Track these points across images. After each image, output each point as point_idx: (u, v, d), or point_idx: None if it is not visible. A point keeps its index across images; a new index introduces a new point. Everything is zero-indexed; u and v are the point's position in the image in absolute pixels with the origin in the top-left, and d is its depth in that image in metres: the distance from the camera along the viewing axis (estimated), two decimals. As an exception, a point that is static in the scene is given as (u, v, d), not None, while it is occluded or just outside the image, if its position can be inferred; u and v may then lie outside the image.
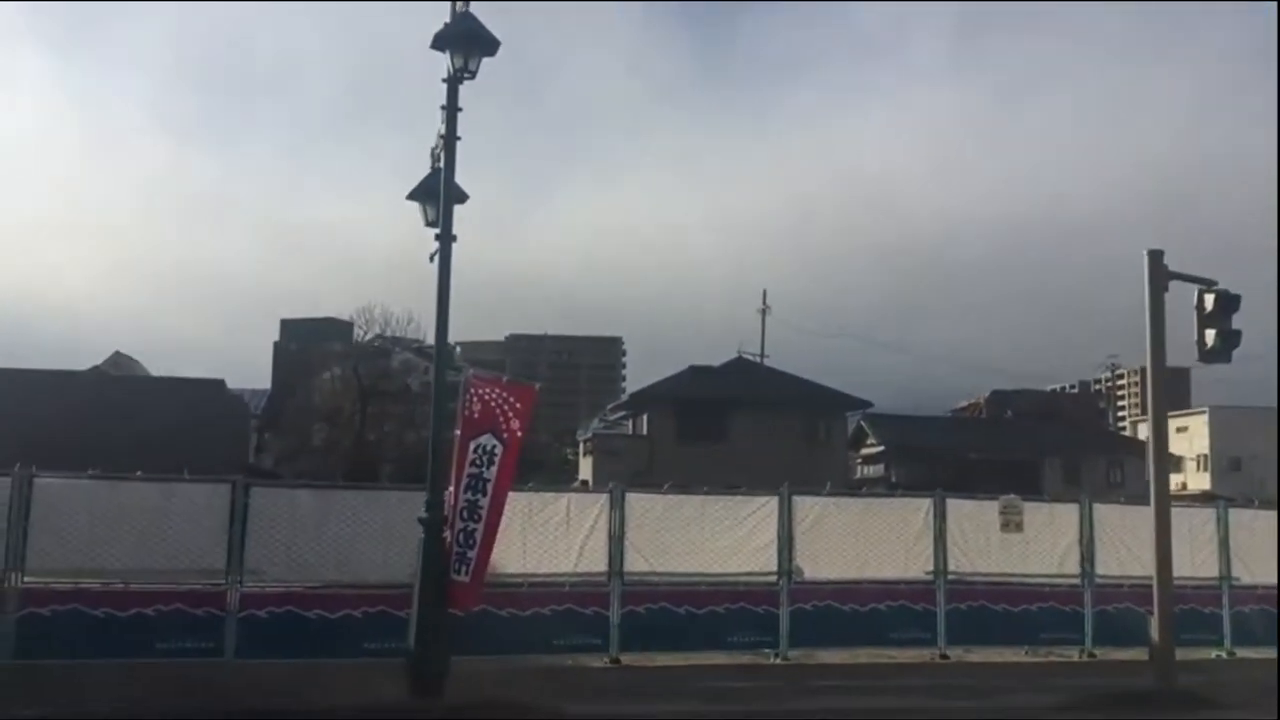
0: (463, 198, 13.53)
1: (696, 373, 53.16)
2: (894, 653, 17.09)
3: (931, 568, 17.25)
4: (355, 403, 57.00)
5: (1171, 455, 78.28)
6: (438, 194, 13.24)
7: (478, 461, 12.55)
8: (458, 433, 12.94)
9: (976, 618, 17.30)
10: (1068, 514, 18.05)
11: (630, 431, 54.50)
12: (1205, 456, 75.92)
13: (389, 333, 65.04)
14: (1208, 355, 14.98)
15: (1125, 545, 17.99)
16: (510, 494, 15.81)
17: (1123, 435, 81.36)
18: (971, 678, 15.60)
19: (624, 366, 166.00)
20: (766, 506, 16.82)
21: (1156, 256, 14.97)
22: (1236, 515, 18.50)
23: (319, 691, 13.14)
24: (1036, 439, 65.25)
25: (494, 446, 12.50)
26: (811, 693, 14.07)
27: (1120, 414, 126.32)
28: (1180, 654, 17.61)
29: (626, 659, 15.92)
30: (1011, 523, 17.58)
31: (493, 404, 12.62)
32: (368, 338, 75.67)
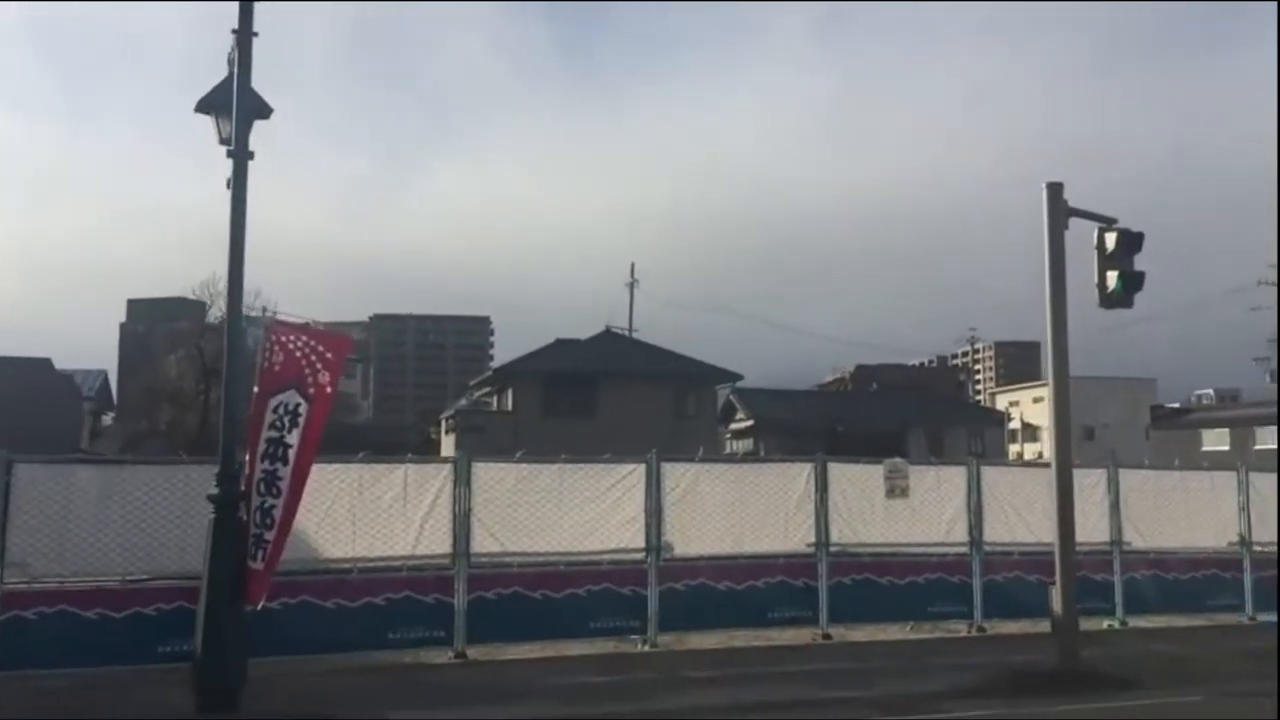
0: (264, 111, 11.14)
1: (562, 346, 51.03)
2: (773, 634, 15.36)
3: (813, 539, 15.55)
4: (200, 382, 53.06)
5: (1028, 425, 79.76)
6: (230, 105, 10.83)
7: (278, 424, 10.22)
8: (256, 390, 10.59)
9: (861, 592, 15.69)
10: (955, 477, 16.56)
11: (495, 408, 52.09)
12: (1060, 426, 77.12)
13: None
14: (1109, 299, 13.56)
15: (1015, 510, 16.62)
16: (338, 466, 13.64)
17: (982, 406, 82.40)
18: (857, 660, 13.94)
19: (492, 346, 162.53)
20: (633, 475, 14.85)
21: (1055, 190, 13.46)
22: (1128, 477, 17.32)
23: (91, 707, 10.70)
24: (901, 411, 65.09)
25: (298, 405, 10.17)
26: (681, 686, 12.16)
27: (977, 387, 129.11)
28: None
29: (474, 653, 13.79)
30: (897, 488, 16.00)
31: (298, 354, 10.29)
32: (217, 315, 71.38)
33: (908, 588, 15.93)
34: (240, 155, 10.70)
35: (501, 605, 13.94)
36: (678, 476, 15.07)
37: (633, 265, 64.72)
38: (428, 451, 58.31)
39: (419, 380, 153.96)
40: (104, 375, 56.70)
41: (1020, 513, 16.60)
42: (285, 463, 10.08)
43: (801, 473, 15.74)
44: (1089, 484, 16.90)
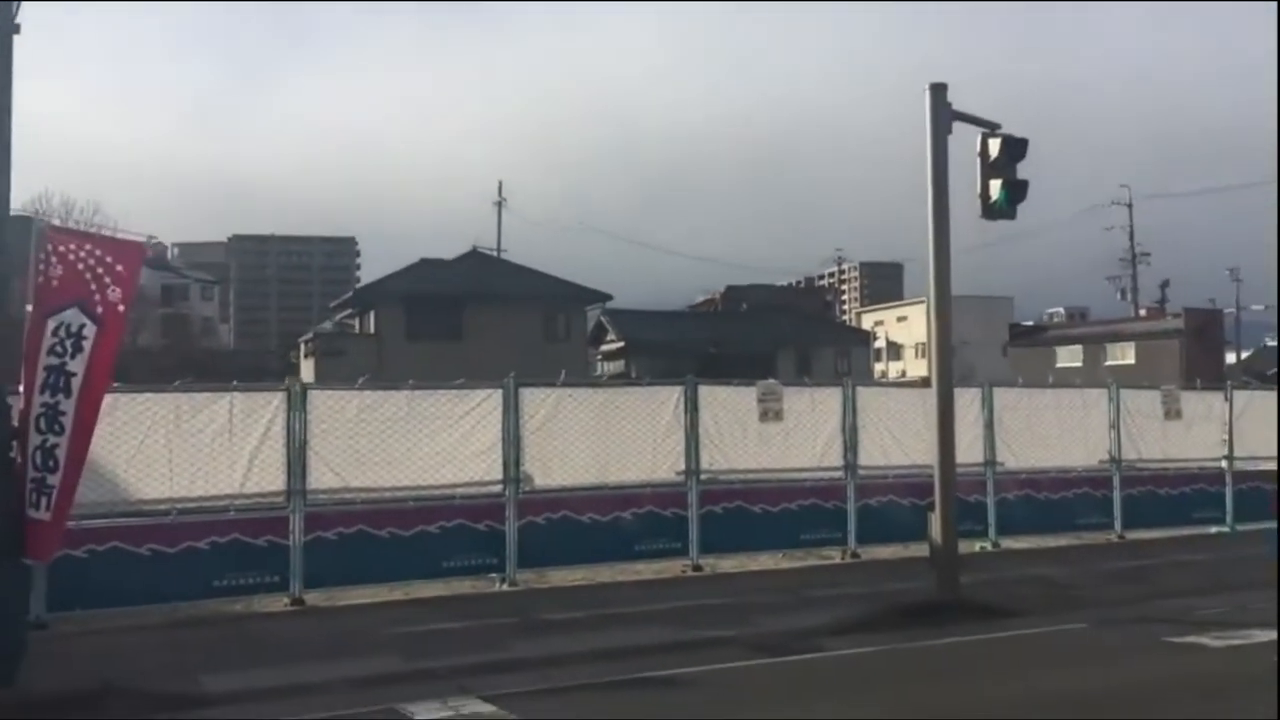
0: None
1: (427, 266, 48.98)
2: (641, 567, 14.43)
3: (683, 467, 14.58)
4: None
5: (893, 344, 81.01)
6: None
7: (59, 348, 8.59)
8: (29, 308, 8.92)
9: (732, 521, 14.83)
10: (830, 399, 15.75)
11: (358, 331, 49.94)
12: (923, 344, 78.51)
13: (72, 223, 56.75)
14: (991, 210, 12.71)
15: (890, 432, 15.95)
16: (150, 396, 12.04)
17: (849, 326, 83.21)
18: (729, 593, 13.09)
19: (359, 268, 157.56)
20: (489, 401, 13.58)
21: (939, 92, 12.48)
22: (1002, 395, 16.79)
23: None
24: (771, 331, 65.03)
25: (82, 326, 8.54)
26: (540, 631, 11.06)
27: (844, 307, 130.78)
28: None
29: (313, 598, 12.49)
30: (770, 411, 15.11)
31: (80, 266, 8.63)
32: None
33: (781, 515, 15.14)
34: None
35: (344, 546, 12.64)
36: (537, 403, 13.86)
37: (500, 183, 62.76)
38: (289, 377, 55.79)
39: (283, 304, 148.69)
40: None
41: (895, 435, 15.93)
42: (68, 394, 8.48)
43: (670, 397, 14.70)
44: (963, 403, 16.20)
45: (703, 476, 14.67)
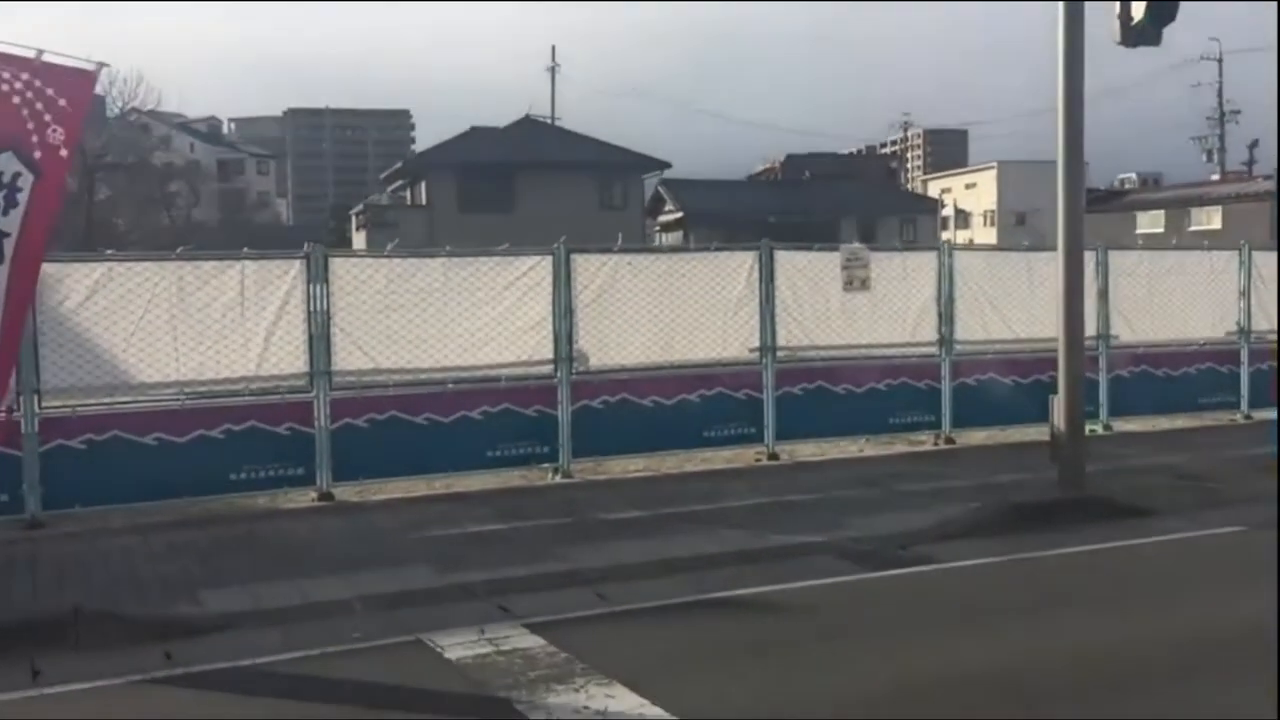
0: None
1: (479, 135, 46.85)
2: (709, 454, 12.78)
3: (757, 344, 12.77)
4: (82, 180, 48.25)
5: (961, 211, 77.64)
6: None
7: (-7, 204, 6.90)
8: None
9: (812, 403, 13.05)
10: (924, 265, 13.74)
11: (409, 202, 48.23)
12: (992, 212, 75.23)
13: (114, 97, 55.39)
14: (1133, 34, 10.45)
15: (990, 302, 13.94)
16: (148, 266, 10.45)
17: (915, 194, 79.83)
18: (810, 486, 11.40)
19: (414, 141, 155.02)
20: (536, 270, 11.80)
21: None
22: (1119, 259, 14.62)
23: None
24: (833, 200, 62.19)
25: (17, 175, 6.81)
26: (595, 534, 9.48)
27: (909, 175, 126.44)
28: (1047, 428, 14.13)
29: (342, 492, 11.03)
30: (856, 279, 13.17)
31: (16, 100, 6.86)
32: (122, 111, 65.60)
33: (867, 396, 13.32)
34: None
35: (375, 434, 11.09)
36: (592, 272, 12.04)
37: (553, 48, 60.05)
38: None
39: (339, 178, 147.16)
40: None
41: (996, 305, 13.94)
42: (0, 259, 6.82)
43: (743, 264, 12.79)
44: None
45: (779, 354, 12.87)
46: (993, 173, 75.71)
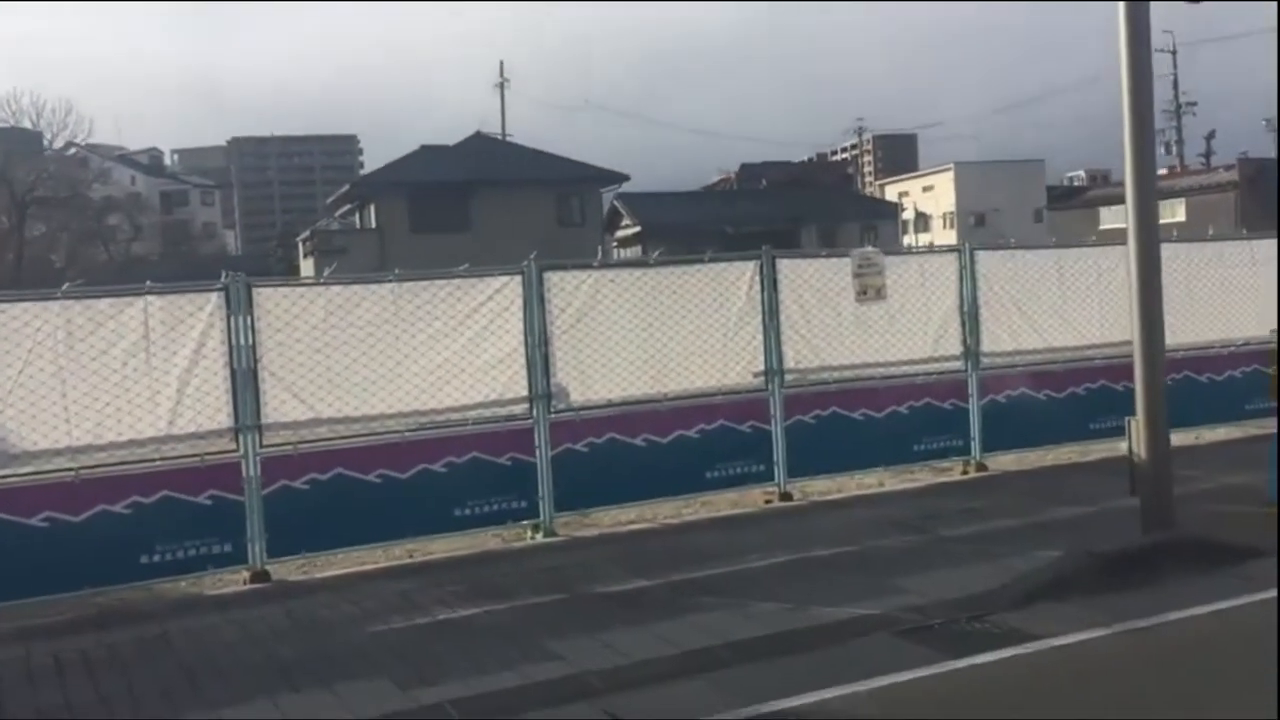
0: None
1: (429, 153, 44.81)
2: (711, 498, 10.97)
3: (761, 367, 10.98)
4: (16, 214, 45.70)
5: (921, 215, 76.60)
6: None
7: None
8: None
9: (827, 432, 11.27)
10: (944, 268, 12.01)
11: (359, 226, 46.09)
12: (951, 214, 74.23)
13: (49, 126, 53.03)
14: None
15: (1017, 307, 12.25)
16: (29, 306, 8.48)
17: (874, 198, 78.72)
18: (835, 533, 9.61)
19: (362, 166, 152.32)
20: (505, 292, 9.93)
21: None
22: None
23: None
24: (792, 207, 60.78)
25: None
26: (591, 614, 7.58)
27: (865, 180, 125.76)
28: (1086, 448, 12.49)
29: (280, 569, 9.10)
30: (870, 288, 11.42)
31: None
32: (50, 143, 63.13)
33: (887, 421, 11.57)
34: None
35: (318, 497, 9.18)
36: (570, 291, 10.19)
37: (501, 63, 58.12)
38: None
39: (286, 206, 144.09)
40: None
41: (1024, 310, 12.26)
42: None
43: (742, 276, 11.00)
44: (1106, 267, 12.59)
45: (787, 377, 11.08)
46: (949, 174, 74.72)
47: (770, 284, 11.00)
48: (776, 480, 11.06)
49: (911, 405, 11.69)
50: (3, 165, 51.89)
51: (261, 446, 8.98)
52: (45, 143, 66.15)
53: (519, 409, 9.95)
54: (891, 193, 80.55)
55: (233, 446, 8.93)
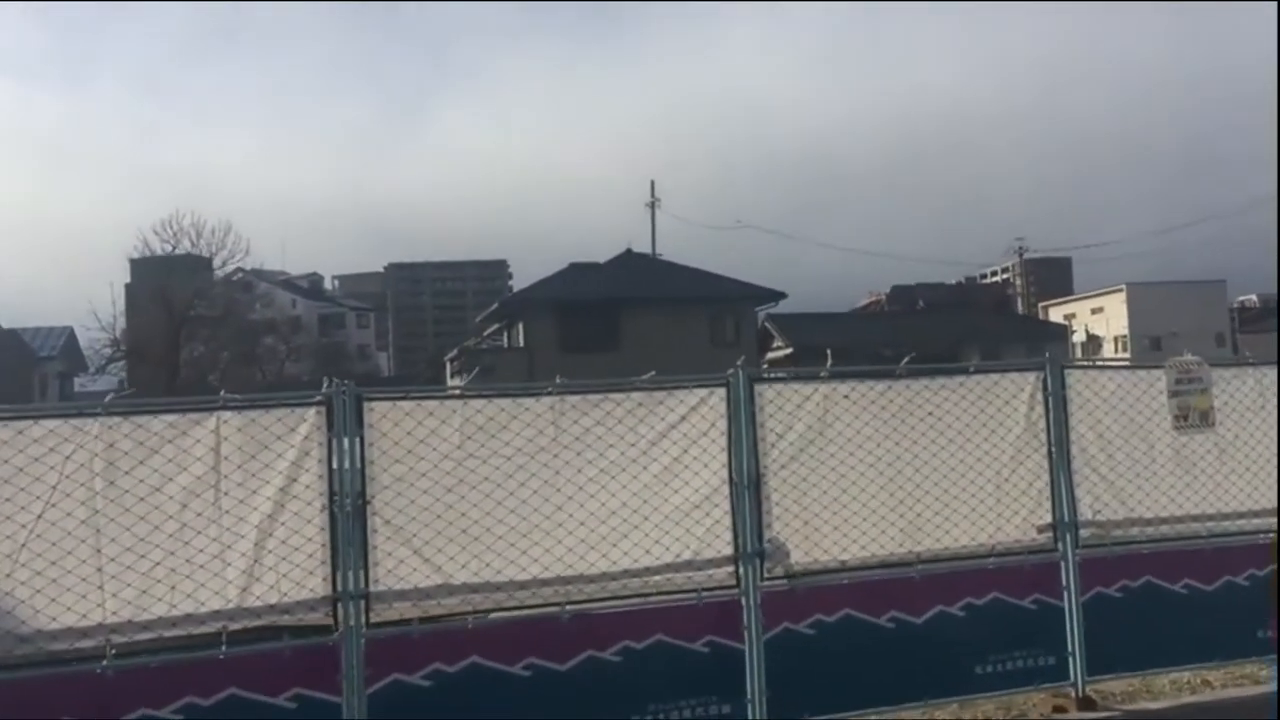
0: None
1: (578, 271, 43.30)
2: (983, 707, 7.75)
3: (1048, 518, 7.85)
4: (172, 333, 45.80)
5: (1093, 336, 71.63)
6: None
7: None
8: None
9: (1134, 612, 8.00)
10: (1284, 387, 8.74)
11: (506, 344, 44.59)
12: (1123, 338, 69.10)
13: (203, 246, 53.78)
14: None
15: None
16: (63, 424, 6.05)
17: (1040, 320, 74.22)
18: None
19: (510, 290, 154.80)
20: (704, 410, 7.14)
21: None
22: None
23: None
24: (952, 328, 57.21)
25: None
26: None
27: (1027, 301, 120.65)
28: None
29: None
30: (1194, 410, 8.24)
31: None
32: (223, 269, 64.66)
33: (1221, 595, 8.23)
34: None
35: (443, 696, 6.39)
36: (790, 410, 7.32)
37: (653, 184, 56.45)
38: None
39: (439, 329, 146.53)
40: (68, 332, 49.31)
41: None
42: None
43: (1019, 392, 7.96)
44: None
45: (1084, 533, 7.92)
46: (1120, 296, 69.88)
47: (1059, 403, 7.94)
48: (1072, 679, 7.80)
49: (1253, 574, 8.31)
50: (172, 289, 52.76)
51: (364, 628, 6.29)
52: (214, 267, 67.98)
53: (720, 573, 7.06)
54: (1055, 315, 75.93)
55: (329, 627, 6.27)
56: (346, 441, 6.37)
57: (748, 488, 7.12)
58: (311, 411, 6.39)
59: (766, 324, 53.78)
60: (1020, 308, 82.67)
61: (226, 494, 6.16)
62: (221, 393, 6.57)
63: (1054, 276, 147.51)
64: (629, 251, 46.85)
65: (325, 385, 6.52)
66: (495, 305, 48.24)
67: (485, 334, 49.97)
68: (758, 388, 7.26)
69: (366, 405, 6.48)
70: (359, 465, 6.40)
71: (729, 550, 7.09)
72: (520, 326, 41.66)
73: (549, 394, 6.93)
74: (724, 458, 7.13)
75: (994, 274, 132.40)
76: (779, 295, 43.84)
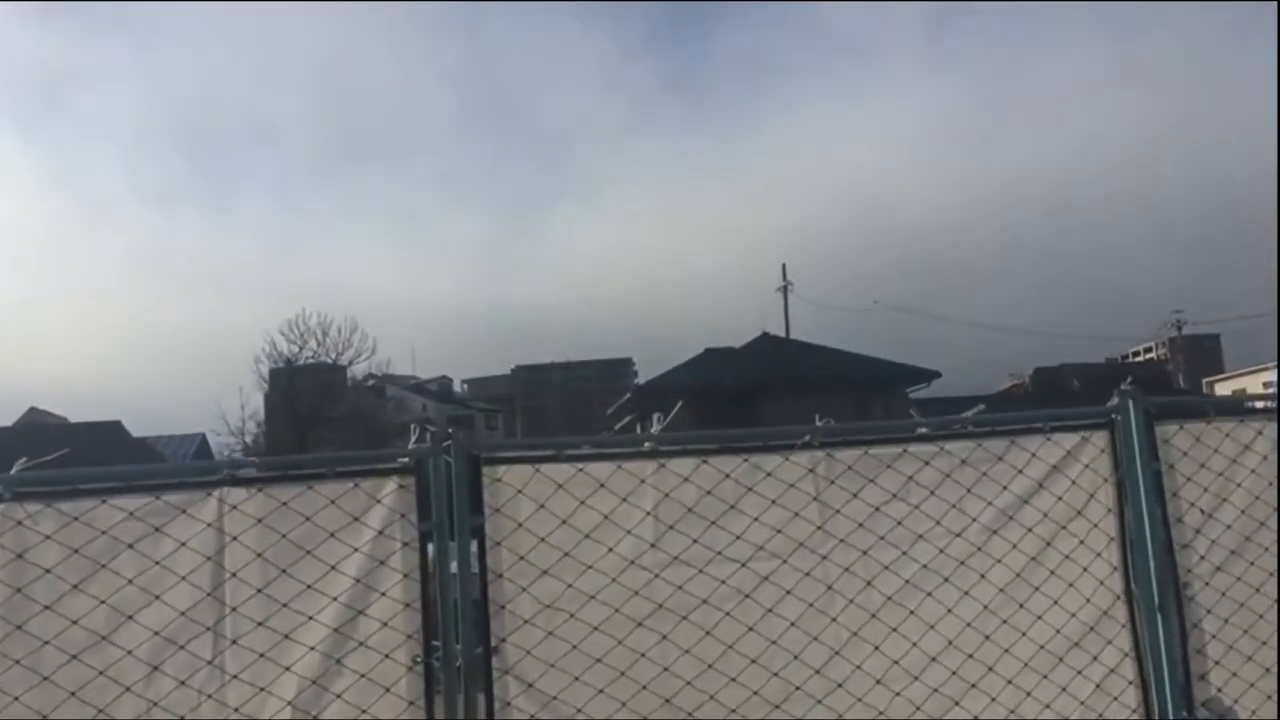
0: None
1: (713, 356, 40.39)
2: None
3: None
4: (298, 435, 44.46)
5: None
6: None
7: None
8: None
9: None
10: None
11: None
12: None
13: (329, 345, 52.85)
14: None
15: None
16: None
17: (1212, 397, 67.97)
18: None
19: (634, 389, 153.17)
20: (1071, 472, 3.99)
21: None
22: None
23: None
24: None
25: None
26: None
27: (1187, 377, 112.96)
28: None
29: None
30: None
31: None
32: (356, 373, 64.19)
33: None
34: None
35: None
36: (1226, 462, 4.12)
37: (784, 266, 53.50)
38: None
39: (566, 427, 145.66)
40: (200, 438, 48.39)
41: None
42: None
43: None
44: None
45: None
46: (1294, 367, 63.41)
47: None
48: None
49: None
50: (302, 391, 51.80)
51: None
52: (347, 374, 67.60)
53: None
54: (1222, 390, 69.59)
55: None
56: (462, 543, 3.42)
57: (1160, 607, 3.90)
58: (390, 482, 3.46)
59: (912, 410, 49.87)
60: (1178, 385, 76.51)
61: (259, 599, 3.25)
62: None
63: (1203, 353, 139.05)
64: (765, 335, 43.79)
65: (413, 436, 3.62)
66: (628, 396, 45.59)
67: (617, 426, 47.29)
68: (1161, 430, 4.08)
69: (490, 467, 3.52)
70: (480, 549, 3.44)
71: (1135, 712, 3.86)
72: (654, 417, 38.83)
73: (806, 446, 3.88)
74: (1113, 551, 3.94)
75: (1139, 352, 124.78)
76: (932, 375, 40.09)
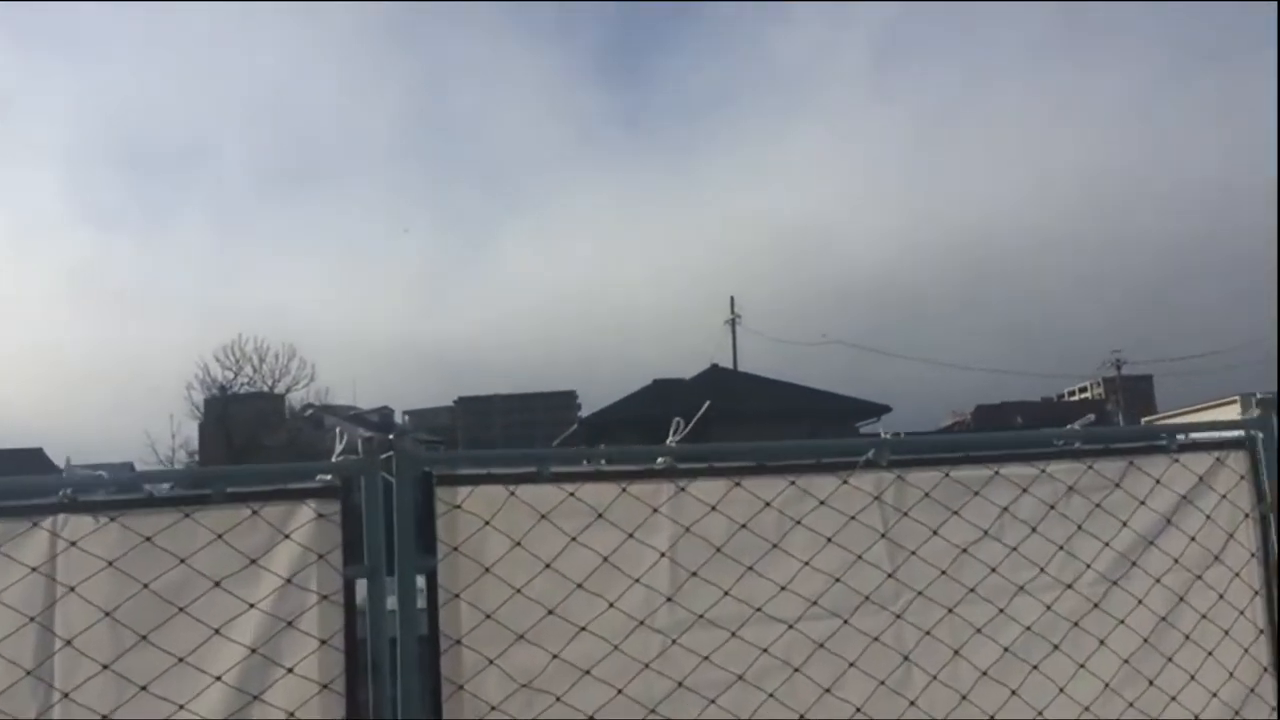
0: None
1: (662, 387, 39.45)
2: None
3: None
4: (232, 462, 42.75)
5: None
6: None
7: None
8: None
9: None
10: None
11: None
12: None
13: (265, 372, 51.27)
14: None
15: None
16: None
17: (1144, 435, 68.41)
18: None
19: (580, 421, 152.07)
20: (1205, 501, 3.07)
21: None
22: None
23: None
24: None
25: None
26: None
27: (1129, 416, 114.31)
28: None
29: None
30: None
31: None
32: (300, 409, 62.66)
33: None
34: None
35: None
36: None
37: (732, 299, 52.83)
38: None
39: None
40: (129, 467, 46.47)
41: None
42: None
43: None
44: None
45: None
46: (1234, 409, 64.15)
47: None
48: None
49: None
50: (235, 420, 50.12)
51: None
52: (285, 404, 65.76)
53: None
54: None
55: None
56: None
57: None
58: (300, 511, 2.43)
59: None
60: (1120, 422, 77.04)
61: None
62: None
63: (1137, 394, 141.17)
64: (714, 367, 43.02)
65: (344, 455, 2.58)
66: (574, 427, 44.47)
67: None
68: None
69: (445, 488, 2.49)
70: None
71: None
72: (674, 423, 37.75)
73: (871, 465, 2.90)
74: (1257, 609, 3.02)
75: (1074, 391, 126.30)
76: (882, 409, 39.43)
